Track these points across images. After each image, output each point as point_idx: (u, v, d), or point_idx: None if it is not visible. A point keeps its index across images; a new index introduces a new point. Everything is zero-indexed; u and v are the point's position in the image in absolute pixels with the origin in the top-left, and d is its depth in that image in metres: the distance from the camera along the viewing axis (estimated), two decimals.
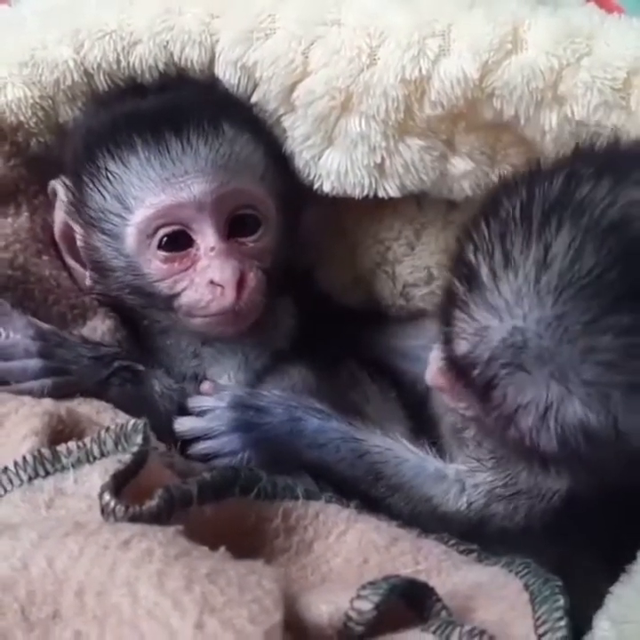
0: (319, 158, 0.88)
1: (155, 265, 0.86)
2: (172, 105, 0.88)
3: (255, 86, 0.88)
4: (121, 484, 0.56)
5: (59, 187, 0.90)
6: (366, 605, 0.51)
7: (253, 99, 0.88)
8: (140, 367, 0.87)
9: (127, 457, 0.58)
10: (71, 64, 0.89)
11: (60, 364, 0.81)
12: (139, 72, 0.90)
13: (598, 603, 0.65)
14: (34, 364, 0.79)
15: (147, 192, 0.84)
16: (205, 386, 0.89)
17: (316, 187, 0.90)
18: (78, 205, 0.88)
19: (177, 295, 0.87)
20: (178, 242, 0.85)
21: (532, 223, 0.64)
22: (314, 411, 0.84)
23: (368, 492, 0.81)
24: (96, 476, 0.59)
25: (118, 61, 0.89)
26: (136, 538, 0.51)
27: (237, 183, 0.86)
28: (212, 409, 0.85)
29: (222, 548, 0.52)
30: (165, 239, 0.85)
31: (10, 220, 0.87)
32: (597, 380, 0.61)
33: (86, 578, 0.49)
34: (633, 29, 0.82)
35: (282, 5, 0.86)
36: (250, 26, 0.86)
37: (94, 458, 0.61)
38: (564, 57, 0.80)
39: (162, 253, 0.85)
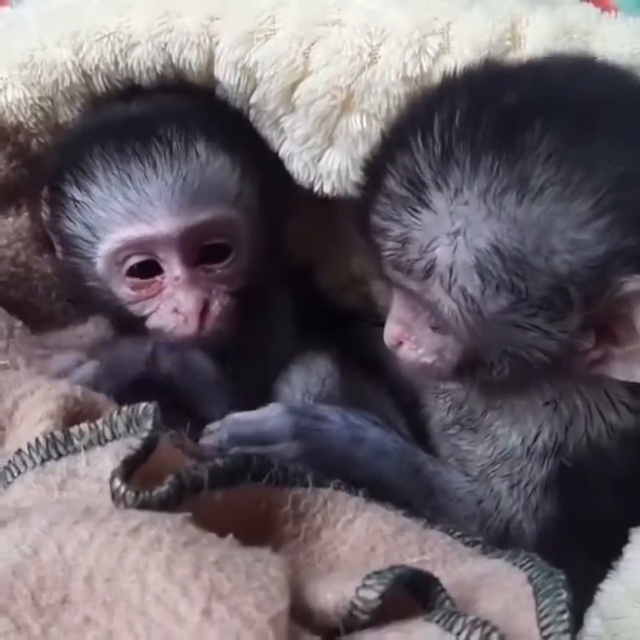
0: (319, 159, 0.88)
1: (124, 290, 0.86)
2: (139, 118, 0.86)
3: (255, 87, 0.87)
4: (131, 469, 0.56)
5: (42, 201, 0.90)
6: (371, 594, 0.52)
7: (252, 99, 0.88)
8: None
9: (137, 443, 0.58)
10: (70, 65, 0.89)
11: (111, 359, 0.81)
12: (136, 74, 0.90)
13: (588, 600, 0.66)
14: (87, 368, 0.79)
15: (112, 224, 0.83)
16: None
17: (316, 188, 0.89)
18: (53, 226, 0.88)
19: (146, 317, 0.87)
20: (147, 269, 0.85)
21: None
22: (370, 420, 0.82)
23: (418, 508, 0.76)
24: (107, 459, 0.59)
25: (116, 63, 0.89)
26: (145, 525, 0.51)
27: (208, 214, 0.84)
28: (268, 414, 0.80)
29: (230, 536, 0.53)
30: (134, 267, 0.85)
31: (11, 219, 0.88)
32: (490, 187, 0.65)
33: (96, 564, 0.49)
34: (629, 27, 0.83)
35: (282, 7, 0.86)
36: (250, 27, 0.86)
37: (106, 440, 0.61)
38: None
39: (130, 280, 0.86)
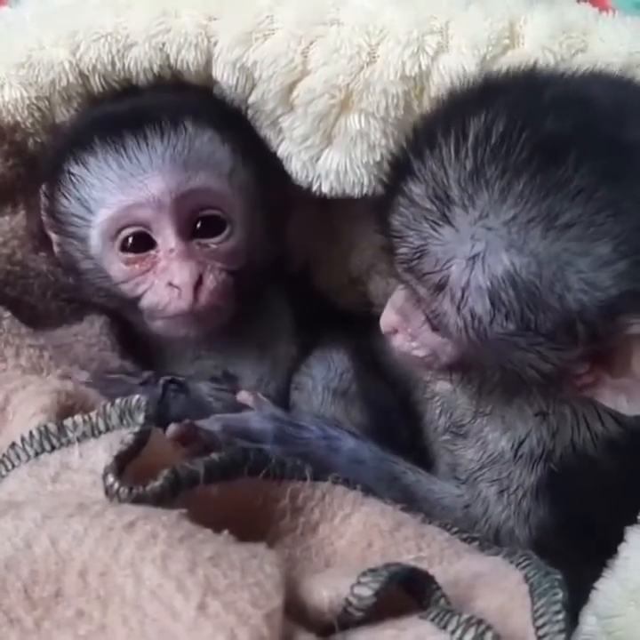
0: (317, 159, 0.88)
1: (117, 267, 0.86)
2: (135, 106, 0.88)
3: (253, 87, 0.87)
4: (123, 464, 0.56)
5: (41, 195, 0.90)
6: (366, 592, 0.52)
7: (251, 99, 0.88)
8: (181, 377, 0.87)
9: (129, 437, 0.58)
10: (67, 65, 0.89)
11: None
12: (133, 74, 0.90)
13: (583, 599, 0.66)
14: None
15: (106, 193, 0.84)
16: (243, 395, 0.86)
17: (314, 188, 0.89)
18: (51, 212, 0.88)
19: (139, 297, 0.86)
20: (140, 243, 0.85)
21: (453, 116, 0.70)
22: (347, 432, 0.83)
23: None
24: (101, 451, 0.59)
25: (113, 63, 0.89)
26: (141, 520, 0.51)
27: (199, 181, 0.85)
28: (252, 415, 0.82)
29: (225, 532, 0.52)
30: (128, 241, 0.85)
31: (7, 217, 0.88)
32: (517, 217, 0.64)
33: (90, 558, 0.49)
34: (626, 26, 0.83)
35: (280, 7, 0.86)
36: (249, 27, 0.86)
37: (99, 432, 0.61)
38: (559, 53, 0.81)
39: (124, 255, 0.85)
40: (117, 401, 0.62)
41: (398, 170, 0.73)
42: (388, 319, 0.77)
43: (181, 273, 0.83)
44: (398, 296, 0.76)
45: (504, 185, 0.64)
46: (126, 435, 0.58)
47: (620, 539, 0.68)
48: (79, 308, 0.89)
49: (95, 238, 0.85)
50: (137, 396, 0.61)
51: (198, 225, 0.86)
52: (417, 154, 0.70)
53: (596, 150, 0.64)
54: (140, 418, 0.60)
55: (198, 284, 0.84)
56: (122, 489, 0.54)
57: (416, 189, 0.69)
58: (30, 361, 0.75)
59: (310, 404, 0.92)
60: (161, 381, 0.84)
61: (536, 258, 0.64)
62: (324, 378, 0.94)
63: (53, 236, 0.90)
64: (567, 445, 0.76)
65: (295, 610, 0.50)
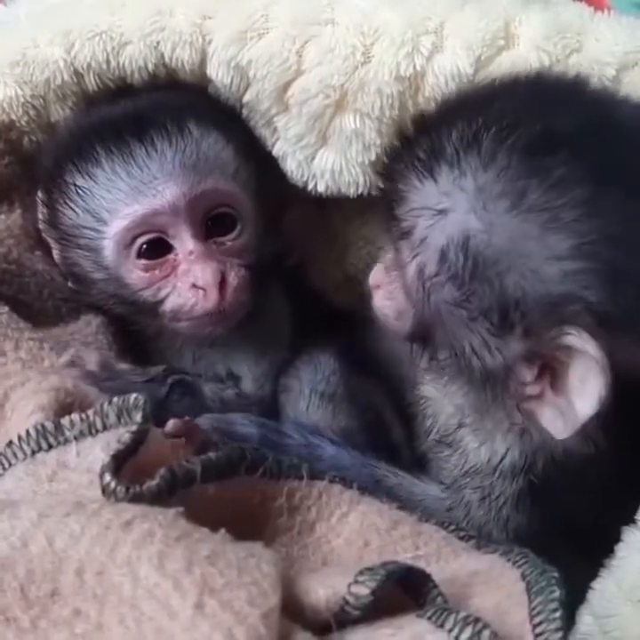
0: (313, 158, 0.88)
1: (136, 274, 0.85)
2: (134, 111, 0.87)
3: (248, 86, 0.87)
4: (121, 462, 0.56)
5: (38, 201, 0.89)
6: (363, 591, 0.52)
7: (246, 98, 0.88)
8: (189, 377, 0.87)
9: (126, 436, 0.58)
10: (61, 64, 0.89)
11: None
12: (128, 72, 0.89)
13: (580, 598, 0.66)
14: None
15: (118, 203, 0.83)
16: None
17: (310, 187, 0.89)
18: (52, 221, 0.88)
19: (161, 302, 0.86)
20: (156, 249, 0.85)
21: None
22: (327, 439, 0.84)
23: None
24: (98, 450, 0.59)
25: (108, 62, 0.89)
26: (137, 519, 0.51)
27: (209, 183, 0.85)
28: (238, 419, 0.83)
29: (222, 531, 0.53)
30: (144, 247, 0.84)
31: (3, 216, 0.87)
32: (490, 186, 0.65)
33: (87, 557, 0.49)
34: (622, 26, 0.83)
35: (275, 6, 0.86)
36: (243, 26, 0.86)
37: (96, 430, 0.61)
38: (554, 53, 0.81)
39: (141, 262, 0.85)
40: (115, 399, 0.62)
41: (419, 129, 0.75)
42: (375, 273, 0.79)
43: (205, 274, 0.83)
44: (388, 255, 0.78)
45: (493, 156, 0.66)
46: (124, 434, 0.58)
47: (616, 539, 0.68)
48: (76, 308, 0.89)
49: (110, 248, 0.84)
50: (135, 395, 0.61)
51: (210, 223, 0.86)
52: (440, 115, 0.74)
53: (593, 153, 0.65)
54: (138, 417, 0.60)
55: (222, 282, 0.84)
56: (119, 488, 0.54)
57: (419, 140, 0.72)
58: (30, 353, 0.75)
59: (297, 408, 0.92)
60: (169, 381, 0.85)
61: (492, 229, 0.65)
62: (311, 381, 0.94)
63: (54, 245, 0.89)
64: (548, 457, 0.75)
65: (292, 608, 0.50)
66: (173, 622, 0.45)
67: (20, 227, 0.88)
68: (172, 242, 0.85)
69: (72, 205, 0.85)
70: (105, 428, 0.61)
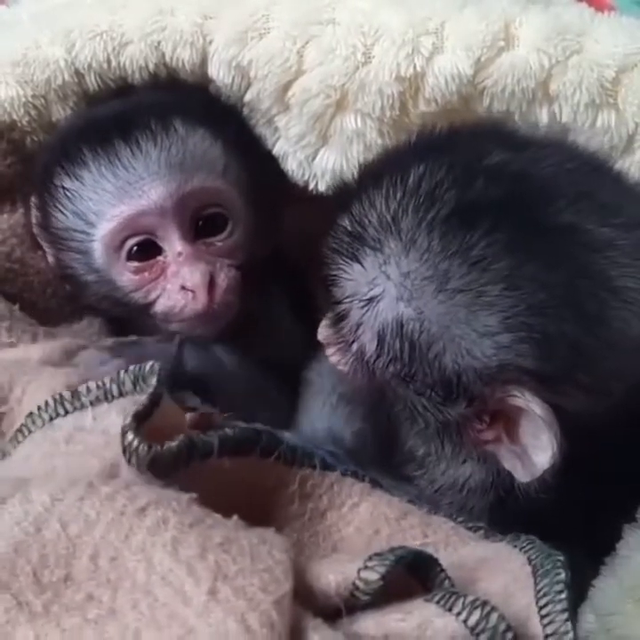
0: (313, 158, 0.88)
1: (126, 277, 0.86)
2: (120, 111, 0.87)
3: (248, 86, 0.88)
4: (139, 424, 0.57)
5: (31, 207, 0.90)
6: (373, 576, 0.52)
7: (246, 98, 0.89)
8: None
9: (143, 398, 0.58)
10: (62, 64, 0.89)
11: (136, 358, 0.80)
12: (129, 72, 0.90)
13: (582, 596, 0.65)
14: (111, 366, 0.78)
15: (105, 205, 0.83)
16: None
17: (311, 187, 0.90)
18: (44, 225, 0.88)
19: (152, 303, 0.86)
20: (146, 251, 0.85)
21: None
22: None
23: None
24: (114, 415, 0.60)
25: (109, 61, 0.89)
26: (152, 505, 0.52)
27: (197, 181, 0.84)
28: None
29: (235, 517, 0.53)
30: (134, 250, 0.84)
31: (5, 215, 0.87)
32: (414, 271, 0.66)
33: (102, 542, 0.50)
34: (623, 27, 0.83)
35: (276, 6, 0.87)
36: (244, 26, 0.86)
37: (113, 397, 0.62)
38: (554, 55, 0.81)
39: (131, 264, 0.85)
40: (131, 367, 0.62)
41: (342, 197, 0.76)
42: (322, 331, 0.78)
43: (193, 276, 0.83)
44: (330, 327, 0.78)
45: (413, 238, 0.67)
46: (140, 397, 0.59)
47: (617, 537, 0.68)
48: (78, 307, 0.89)
49: (99, 251, 0.84)
50: (151, 363, 0.62)
51: (200, 224, 0.86)
52: (360, 187, 0.74)
53: (510, 224, 0.66)
54: (153, 380, 0.60)
55: (211, 283, 0.84)
56: (141, 446, 0.54)
57: (344, 221, 0.72)
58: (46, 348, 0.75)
59: (314, 404, 0.92)
60: (176, 338, 0.85)
61: (422, 315, 0.66)
62: (332, 379, 0.92)
63: (47, 248, 0.89)
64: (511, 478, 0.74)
65: (303, 594, 0.51)
66: (187, 608, 0.45)
67: (23, 226, 0.88)
68: (160, 243, 0.85)
69: (61, 208, 0.85)
70: (121, 394, 0.62)
